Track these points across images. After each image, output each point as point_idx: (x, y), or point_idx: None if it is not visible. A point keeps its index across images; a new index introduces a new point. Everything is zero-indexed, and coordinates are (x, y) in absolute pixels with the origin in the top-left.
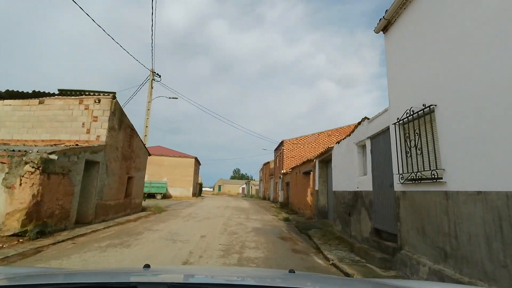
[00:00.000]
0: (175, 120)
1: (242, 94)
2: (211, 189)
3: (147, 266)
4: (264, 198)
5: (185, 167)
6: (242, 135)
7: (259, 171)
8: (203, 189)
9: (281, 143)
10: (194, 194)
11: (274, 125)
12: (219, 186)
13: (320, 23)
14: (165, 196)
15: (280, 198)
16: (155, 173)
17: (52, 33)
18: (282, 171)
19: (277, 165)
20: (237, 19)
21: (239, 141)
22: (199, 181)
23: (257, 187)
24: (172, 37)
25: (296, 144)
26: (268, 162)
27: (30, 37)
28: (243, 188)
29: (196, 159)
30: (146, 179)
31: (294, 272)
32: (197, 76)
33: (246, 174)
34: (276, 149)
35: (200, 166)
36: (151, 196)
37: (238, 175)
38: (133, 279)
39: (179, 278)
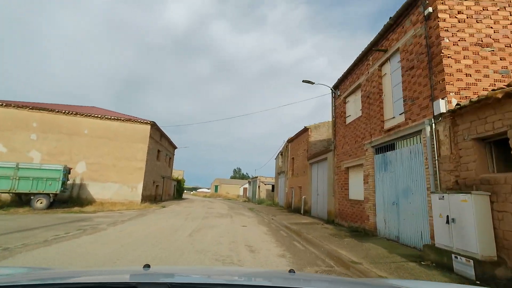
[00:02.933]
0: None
1: (244, 96)
2: (209, 190)
3: (147, 266)
4: (290, 208)
5: (128, 142)
6: (243, 135)
7: (278, 156)
8: (198, 190)
9: (304, 130)
10: (152, 198)
11: (276, 126)
12: (216, 187)
13: (321, 25)
14: (72, 200)
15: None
16: (60, 150)
17: (56, 33)
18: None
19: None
20: (239, 21)
21: (239, 142)
22: (177, 177)
23: (268, 187)
24: (174, 37)
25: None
26: (306, 130)
27: (34, 36)
28: (245, 189)
29: (154, 127)
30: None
31: (294, 272)
32: (199, 77)
33: (247, 174)
34: (292, 139)
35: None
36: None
37: (239, 175)
38: (133, 279)
39: (179, 278)
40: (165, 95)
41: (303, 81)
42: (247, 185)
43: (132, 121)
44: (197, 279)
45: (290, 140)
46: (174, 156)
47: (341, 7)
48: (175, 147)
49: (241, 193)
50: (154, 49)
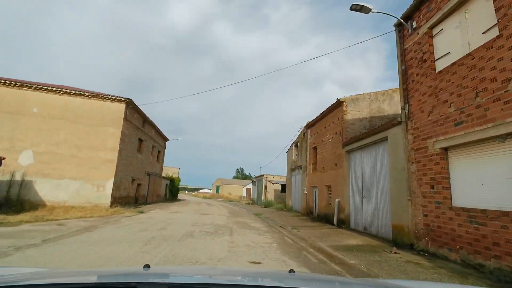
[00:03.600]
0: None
1: (247, 96)
2: (210, 191)
3: (147, 266)
4: (311, 214)
5: (95, 126)
6: (245, 135)
7: (291, 148)
8: (199, 190)
9: (336, 105)
10: (130, 201)
11: (278, 126)
12: (217, 187)
13: (324, 26)
14: (10, 203)
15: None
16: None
17: (60, 34)
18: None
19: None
20: (241, 21)
21: (241, 142)
22: (172, 175)
23: (277, 187)
24: (177, 38)
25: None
26: (340, 105)
27: (38, 37)
28: (248, 190)
29: (131, 106)
30: None
31: (294, 272)
32: (202, 77)
33: (250, 174)
34: (313, 123)
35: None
36: None
37: (241, 175)
38: (133, 279)
39: (179, 278)
40: (168, 95)
41: (352, 8)
42: (250, 185)
43: (101, 97)
44: (197, 279)
45: (310, 125)
46: (166, 150)
47: (345, 7)
48: (165, 139)
49: (244, 194)
50: (157, 50)
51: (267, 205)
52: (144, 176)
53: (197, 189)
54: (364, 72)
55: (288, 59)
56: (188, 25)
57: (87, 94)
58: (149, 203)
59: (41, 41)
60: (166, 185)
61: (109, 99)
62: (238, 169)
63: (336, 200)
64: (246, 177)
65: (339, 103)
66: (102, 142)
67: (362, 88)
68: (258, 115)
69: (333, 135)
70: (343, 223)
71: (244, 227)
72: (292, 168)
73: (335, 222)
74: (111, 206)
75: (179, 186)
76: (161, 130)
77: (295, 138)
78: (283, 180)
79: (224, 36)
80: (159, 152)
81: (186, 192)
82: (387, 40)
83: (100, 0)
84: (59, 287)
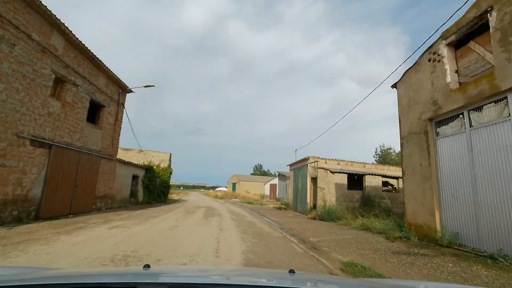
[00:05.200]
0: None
1: (261, 95)
2: (226, 189)
3: (147, 266)
4: None
5: None
6: (262, 134)
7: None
8: (216, 189)
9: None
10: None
11: (293, 125)
12: (233, 185)
13: (340, 20)
14: None
15: None
16: None
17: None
18: None
19: None
20: (256, 19)
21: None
22: (157, 164)
23: (341, 179)
24: (192, 39)
25: None
26: None
27: None
28: (273, 186)
29: None
30: None
31: (294, 272)
32: (216, 78)
33: (269, 171)
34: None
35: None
36: None
37: (259, 173)
38: (133, 279)
39: (179, 278)
40: (184, 96)
41: None
42: (276, 181)
43: None
44: (197, 279)
45: None
46: (125, 110)
47: (361, 0)
48: (123, 88)
49: (267, 192)
50: (173, 52)
51: (332, 214)
52: (39, 150)
53: (214, 188)
54: (383, 67)
55: (304, 56)
56: (202, 27)
57: None
58: (48, 219)
59: None
60: (136, 177)
61: None
62: (255, 166)
63: None
64: (265, 174)
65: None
66: None
67: (383, 84)
68: (273, 115)
69: None
70: None
71: None
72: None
73: None
74: None
75: (177, 183)
76: (122, 79)
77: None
78: (356, 167)
79: (238, 36)
80: (103, 108)
81: (202, 190)
82: (406, 32)
83: (119, 8)
84: (59, 287)
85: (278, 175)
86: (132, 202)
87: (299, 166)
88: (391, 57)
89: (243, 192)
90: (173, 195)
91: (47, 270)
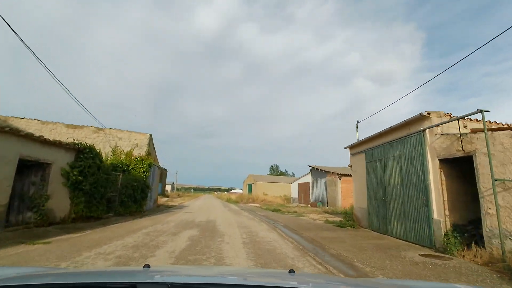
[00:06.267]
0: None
1: (274, 96)
2: (241, 191)
3: (147, 266)
4: None
5: None
6: (276, 136)
7: None
8: (231, 191)
9: None
10: None
11: (308, 125)
12: (249, 186)
13: (352, 18)
14: None
15: None
16: None
17: (98, 50)
18: None
19: None
20: (267, 21)
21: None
22: (121, 150)
23: None
24: (205, 43)
25: None
26: None
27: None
28: (303, 186)
29: None
30: None
31: (294, 272)
32: (229, 81)
33: (286, 171)
34: None
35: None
36: None
37: (276, 174)
38: (133, 279)
39: (179, 278)
40: (197, 101)
41: None
42: (308, 178)
43: None
44: (197, 279)
45: None
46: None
47: None
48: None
49: (295, 194)
50: (186, 56)
51: None
52: None
53: (229, 190)
54: (398, 64)
55: (316, 56)
56: (214, 30)
57: None
58: None
59: (80, 57)
60: (44, 166)
61: None
62: (272, 166)
63: None
64: (282, 174)
65: None
66: None
67: (399, 82)
68: (287, 115)
69: None
70: None
71: None
72: None
73: None
74: None
75: (193, 186)
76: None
77: None
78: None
79: (250, 39)
80: None
81: (216, 193)
82: (421, 28)
83: (133, 15)
84: (59, 286)
85: (311, 170)
86: (24, 222)
87: (390, 140)
88: (407, 53)
89: (260, 194)
90: (177, 199)
91: (47, 270)
